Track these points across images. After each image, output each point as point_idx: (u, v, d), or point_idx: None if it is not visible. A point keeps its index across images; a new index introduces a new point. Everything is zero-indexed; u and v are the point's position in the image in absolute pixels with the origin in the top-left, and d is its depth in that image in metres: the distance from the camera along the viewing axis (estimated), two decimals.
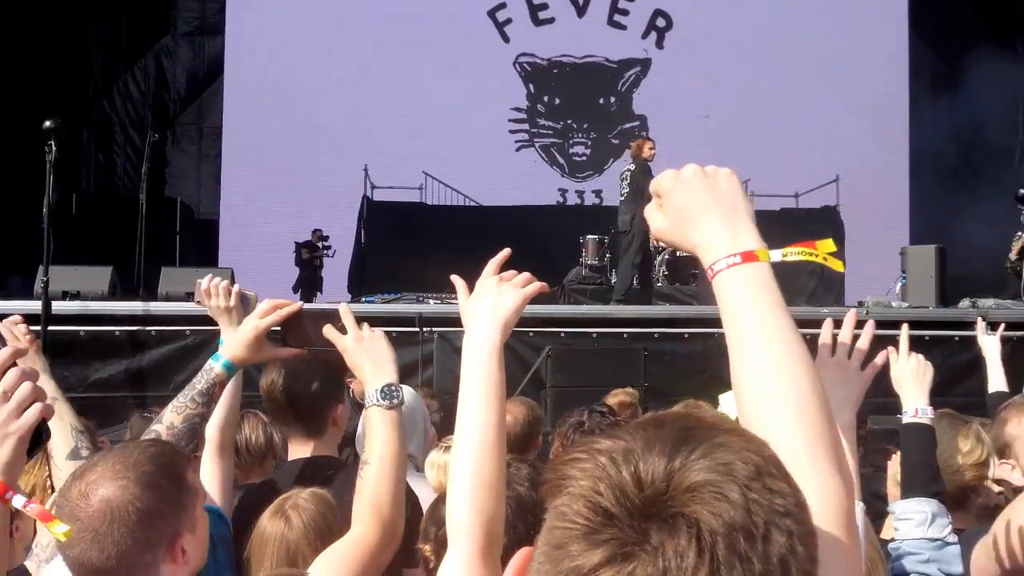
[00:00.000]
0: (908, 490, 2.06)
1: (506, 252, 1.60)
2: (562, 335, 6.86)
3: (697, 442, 0.71)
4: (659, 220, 1.16)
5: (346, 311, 1.88)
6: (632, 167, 9.83)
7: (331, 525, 1.91)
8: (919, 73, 16.35)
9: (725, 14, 15.90)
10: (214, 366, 1.99)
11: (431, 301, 7.32)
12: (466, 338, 1.49)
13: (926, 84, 16.22)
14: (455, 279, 1.64)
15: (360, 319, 1.90)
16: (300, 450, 2.38)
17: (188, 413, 1.94)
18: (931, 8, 16.22)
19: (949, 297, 8.68)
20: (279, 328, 2.01)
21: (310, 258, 13.58)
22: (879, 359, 1.70)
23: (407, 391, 3.62)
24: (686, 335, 7.09)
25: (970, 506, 2.39)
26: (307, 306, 2.05)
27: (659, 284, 10.29)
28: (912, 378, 2.09)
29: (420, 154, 14.83)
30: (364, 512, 1.74)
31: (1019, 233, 11.41)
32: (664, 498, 0.68)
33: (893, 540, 2.04)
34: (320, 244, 13.77)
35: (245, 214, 15.01)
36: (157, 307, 7.81)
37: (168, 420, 1.94)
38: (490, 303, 1.49)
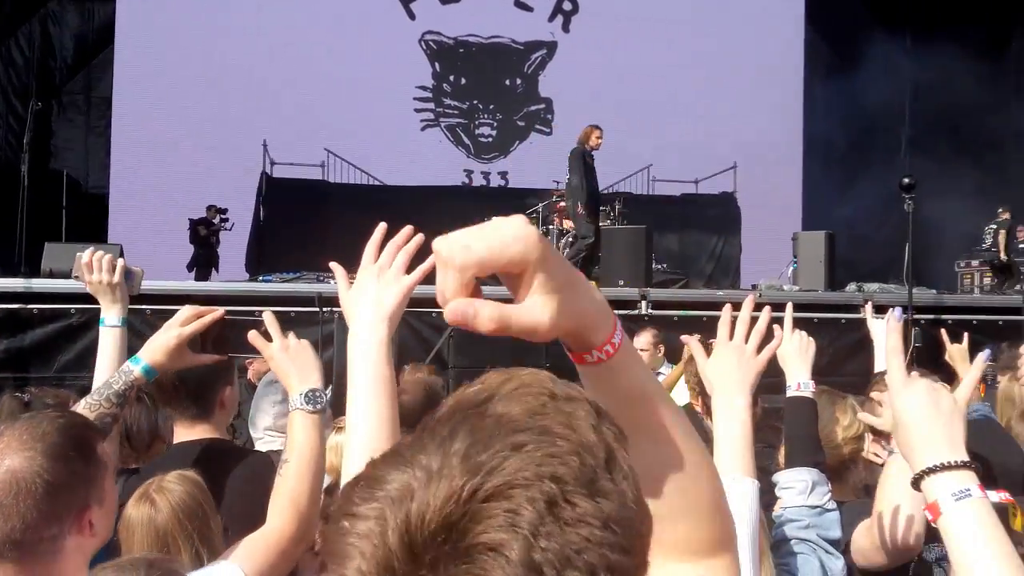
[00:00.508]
0: (791, 460, 2.14)
1: (382, 229, 1.52)
2: None
3: (485, 468, 0.59)
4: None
5: (271, 319, 1.88)
6: (573, 151, 9.96)
7: (202, 506, 1.86)
8: (813, 63, 16.93)
9: (629, 1, 16.08)
10: (133, 369, 1.96)
11: (331, 281, 7.17)
12: (351, 334, 1.44)
13: (820, 74, 16.81)
14: (334, 267, 1.57)
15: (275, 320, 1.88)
16: (186, 433, 2.28)
17: (101, 412, 1.91)
18: (826, 3, 16.79)
19: (837, 281, 9.03)
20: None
21: (207, 235, 13.13)
22: (774, 342, 1.74)
23: None
24: None
25: (849, 477, 2.47)
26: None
27: None
28: (795, 354, 2.17)
29: (322, 131, 14.52)
30: (282, 506, 1.79)
31: (992, 225, 11.99)
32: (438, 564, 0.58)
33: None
34: (217, 219, 13.30)
35: (137, 189, 14.42)
36: (40, 284, 7.43)
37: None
38: (372, 297, 1.45)
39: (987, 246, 12.72)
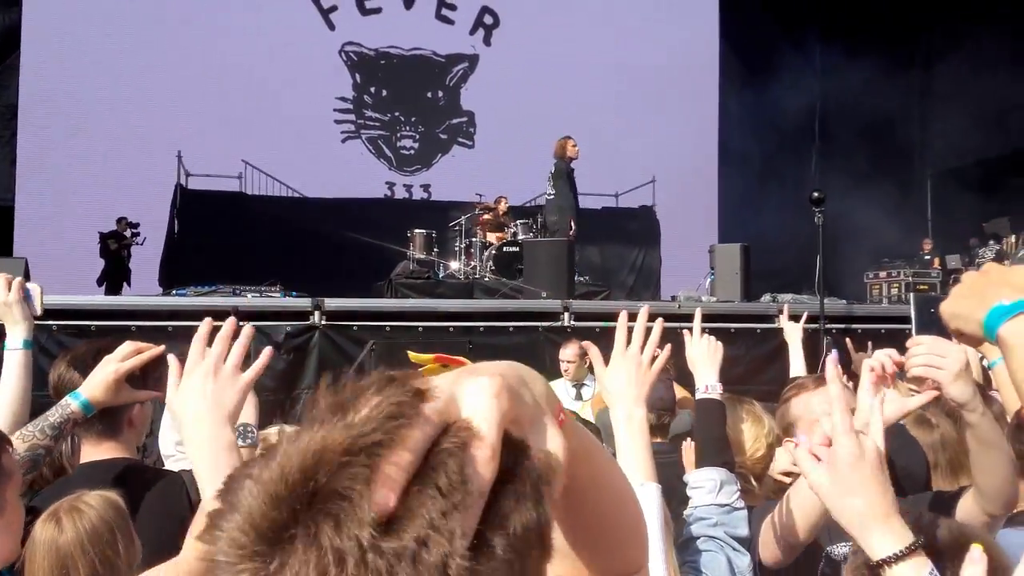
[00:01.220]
0: (700, 460, 2.18)
1: (208, 324, 1.45)
2: (387, 329, 6.77)
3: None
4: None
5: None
6: (555, 168, 9.95)
7: (113, 531, 1.78)
8: (728, 77, 17.40)
9: (550, 14, 16.26)
10: (71, 403, 1.96)
11: (248, 294, 7.02)
12: (188, 434, 1.38)
13: (734, 88, 17.27)
14: (171, 359, 1.46)
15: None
16: (93, 452, 2.19)
17: (34, 443, 1.91)
18: (739, 16, 17.29)
19: (753, 292, 9.25)
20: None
21: (117, 248, 12.70)
22: (665, 351, 1.80)
23: None
24: (511, 328, 7.17)
25: (760, 483, 2.51)
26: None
27: (485, 278, 10.37)
28: (703, 358, 2.23)
29: (239, 142, 14.23)
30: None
31: (984, 251, 12.40)
32: None
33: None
34: (128, 232, 12.89)
35: (44, 200, 13.86)
36: None
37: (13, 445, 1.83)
38: (211, 401, 1.38)
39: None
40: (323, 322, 6.58)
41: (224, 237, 13.03)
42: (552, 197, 9.93)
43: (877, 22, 15.22)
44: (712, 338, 2.29)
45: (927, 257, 13.99)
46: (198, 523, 0.58)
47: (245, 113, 14.41)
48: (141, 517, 2.00)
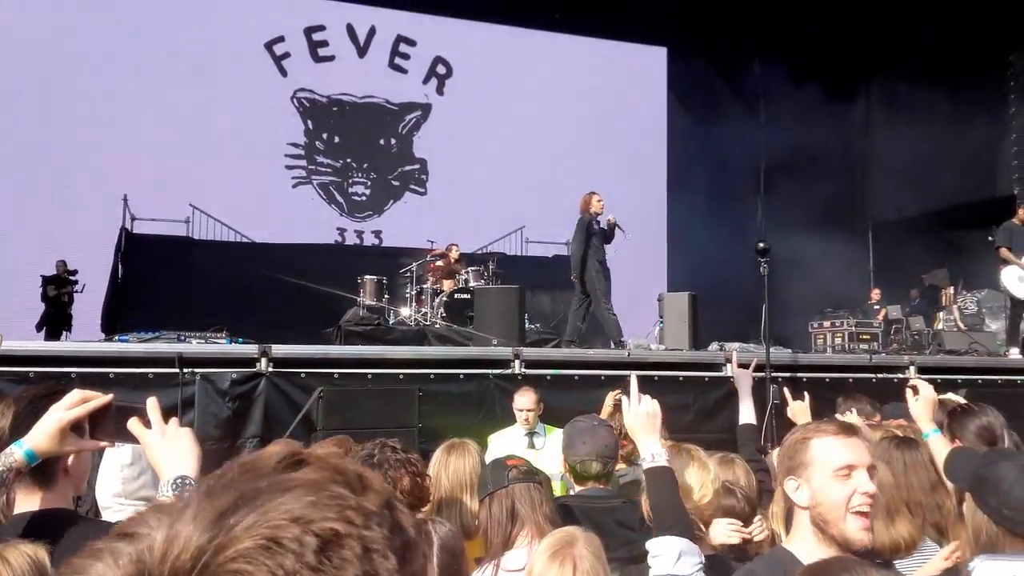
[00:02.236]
0: (658, 530, 2.17)
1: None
2: (336, 376, 6.66)
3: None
4: None
5: (153, 405, 1.88)
6: (579, 221, 10.01)
7: None
8: (675, 130, 17.80)
9: (502, 65, 16.51)
10: (15, 451, 1.92)
11: (193, 340, 6.87)
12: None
13: (682, 142, 17.68)
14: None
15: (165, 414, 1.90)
16: (27, 502, 2.10)
17: None
18: (686, 70, 17.76)
19: (701, 340, 9.34)
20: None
21: (57, 294, 12.39)
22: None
23: None
24: (461, 376, 7.11)
25: (707, 526, 2.51)
26: (116, 400, 1.99)
27: (436, 325, 10.32)
28: (642, 424, 2.23)
29: (187, 186, 14.07)
30: None
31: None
32: None
33: None
34: (68, 278, 12.59)
35: None
36: None
37: None
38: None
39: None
40: (270, 369, 6.45)
41: (170, 282, 12.81)
42: (575, 249, 10.03)
43: (819, 78, 15.74)
44: (648, 399, 2.30)
45: (876, 307, 14.31)
46: None
47: (194, 157, 14.29)
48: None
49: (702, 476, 2.34)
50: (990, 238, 10.05)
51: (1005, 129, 14.31)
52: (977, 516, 2.08)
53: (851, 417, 4.79)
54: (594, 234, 9.77)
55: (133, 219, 13.78)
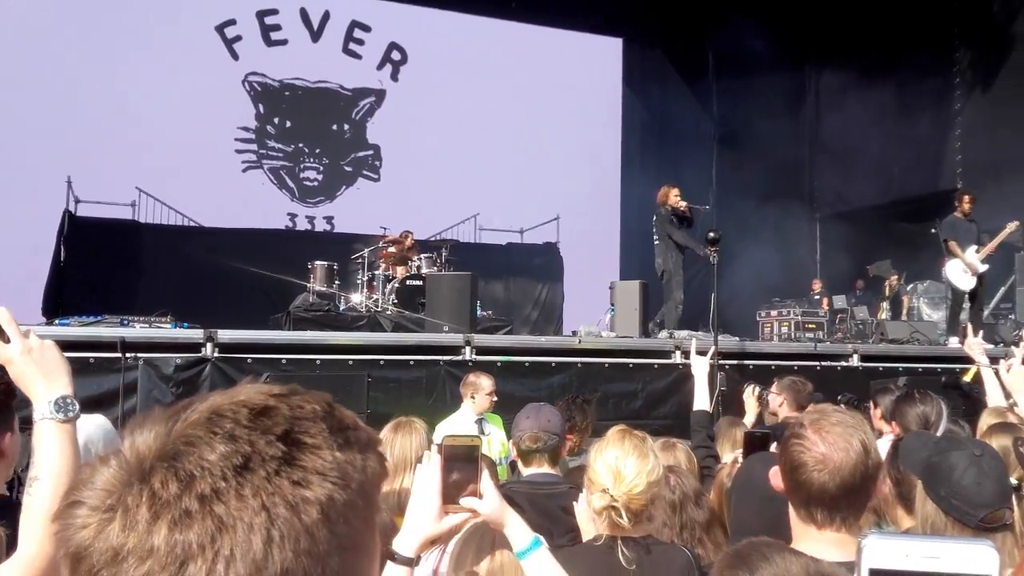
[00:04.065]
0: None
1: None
2: (283, 362, 6.60)
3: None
4: None
5: (8, 318, 1.67)
6: (658, 214, 9.90)
7: None
8: (630, 122, 17.89)
9: (458, 53, 16.42)
10: None
11: (136, 324, 6.73)
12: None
13: (635, 134, 17.78)
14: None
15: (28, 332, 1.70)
16: None
17: None
18: (641, 62, 17.85)
19: (651, 328, 9.44)
20: None
21: None
22: None
23: (99, 421, 3.27)
24: (412, 362, 7.09)
25: (636, 515, 2.52)
26: None
27: (387, 311, 10.27)
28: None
29: (134, 168, 13.75)
30: (36, 530, 1.53)
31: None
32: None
33: None
34: None
35: None
36: None
37: None
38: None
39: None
40: (216, 354, 6.37)
41: (114, 267, 12.55)
42: (657, 243, 9.95)
43: (770, 72, 15.93)
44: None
45: (817, 297, 14.59)
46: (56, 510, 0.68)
47: (141, 139, 13.95)
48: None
49: (639, 465, 2.35)
50: (933, 230, 10.27)
51: (951, 124, 14.62)
52: (927, 505, 2.10)
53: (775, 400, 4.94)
54: (670, 224, 9.75)
55: (77, 202, 13.46)
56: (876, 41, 15.03)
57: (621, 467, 2.34)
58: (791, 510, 1.94)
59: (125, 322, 6.63)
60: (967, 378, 3.98)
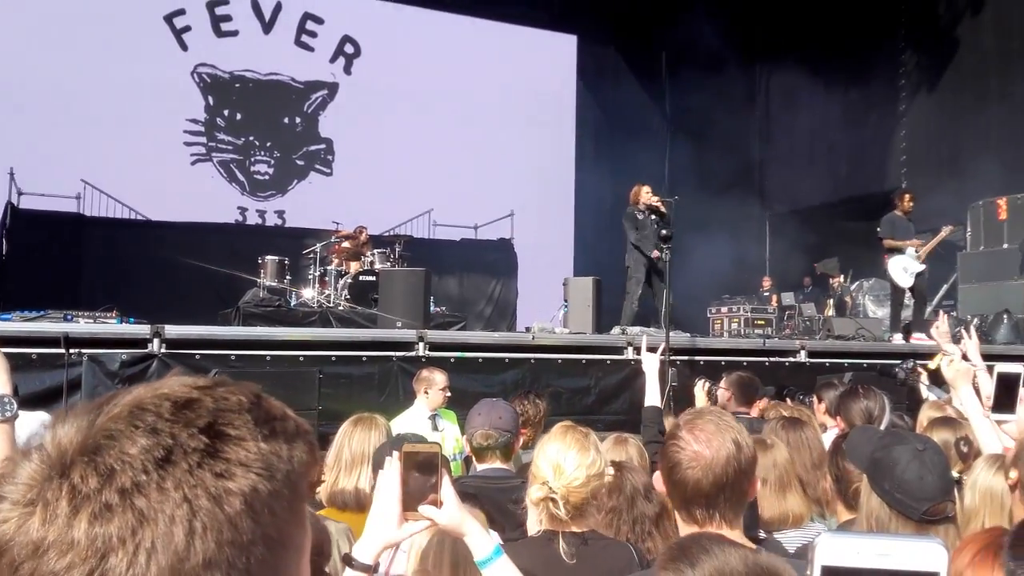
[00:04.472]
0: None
1: None
2: (232, 358, 6.50)
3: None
4: None
5: None
6: (624, 213, 9.83)
7: None
8: (584, 117, 17.97)
9: (412, 47, 16.33)
10: None
11: (81, 320, 6.58)
12: None
13: (590, 128, 17.86)
14: None
15: None
16: None
17: None
18: (594, 58, 17.94)
19: (604, 324, 9.49)
20: None
21: None
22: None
23: (42, 418, 3.19)
24: (364, 358, 7.04)
25: (576, 509, 2.53)
26: None
27: (340, 307, 10.18)
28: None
29: (79, 160, 13.43)
30: None
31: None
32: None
33: None
34: None
35: None
36: None
37: None
38: None
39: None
40: (163, 350, 6.25)
41: (59, 261, 12.27)
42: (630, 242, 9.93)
43: (722, 71, 16.12)
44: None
45: (766, 294, 14.81)
46: None
47: (86, 130, 13.64)
48: None
49: (579, 459, 2.37)
50: (877, 229, 10.48)
51: (896, 125, 14.94)
52: (872, 499, 2.14)
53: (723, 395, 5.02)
54: (635, 222, 9.73)
55: (20, 194, 13.12)
56: (826, 42, 15.29)
57: (561, 461, 2.36)
58: (675, 514, 1.98)
59: (69, 317, 6.48)
60: (932, 365, 4.06)
